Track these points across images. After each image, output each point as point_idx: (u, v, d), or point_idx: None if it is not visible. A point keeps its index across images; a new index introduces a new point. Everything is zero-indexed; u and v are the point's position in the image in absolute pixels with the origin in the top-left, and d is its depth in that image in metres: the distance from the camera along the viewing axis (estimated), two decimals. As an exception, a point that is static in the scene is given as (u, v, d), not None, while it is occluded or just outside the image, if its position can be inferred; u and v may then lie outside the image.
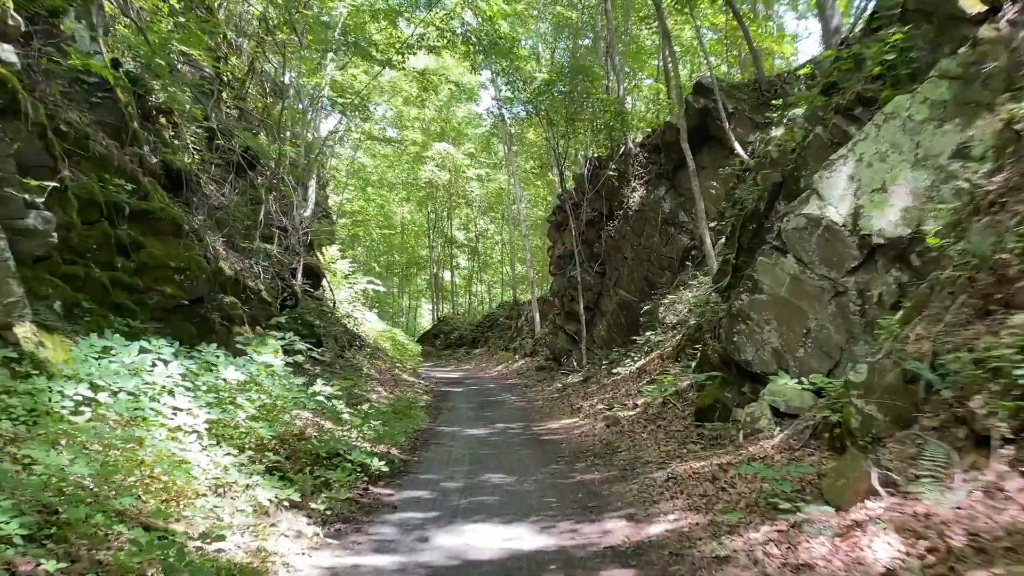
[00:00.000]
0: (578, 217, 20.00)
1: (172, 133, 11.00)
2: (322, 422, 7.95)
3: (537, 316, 27.15)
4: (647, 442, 8.76)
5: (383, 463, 7.10)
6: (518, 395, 17.32)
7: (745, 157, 15.45)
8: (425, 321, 55.23)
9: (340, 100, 30.18)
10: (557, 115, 18.74)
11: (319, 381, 8.56)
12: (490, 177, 42.59)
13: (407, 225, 50.02)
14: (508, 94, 22.07)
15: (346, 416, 8.44)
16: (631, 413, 11.07)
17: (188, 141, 10.92)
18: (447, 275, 49.34)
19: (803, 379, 7.37)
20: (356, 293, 26.05)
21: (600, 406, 12.63)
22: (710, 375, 8.77)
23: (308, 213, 27.28)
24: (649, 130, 20.09)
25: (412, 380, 19.52)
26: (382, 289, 26.87)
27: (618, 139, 19.52)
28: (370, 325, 24.34)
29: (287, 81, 18.78)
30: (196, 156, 11.04)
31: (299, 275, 14.44)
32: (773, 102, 15.86)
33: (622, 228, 18.77)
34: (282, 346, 9.66)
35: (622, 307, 18.79)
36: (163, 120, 10.98)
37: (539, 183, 42.72)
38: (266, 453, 5.93)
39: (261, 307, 9.55)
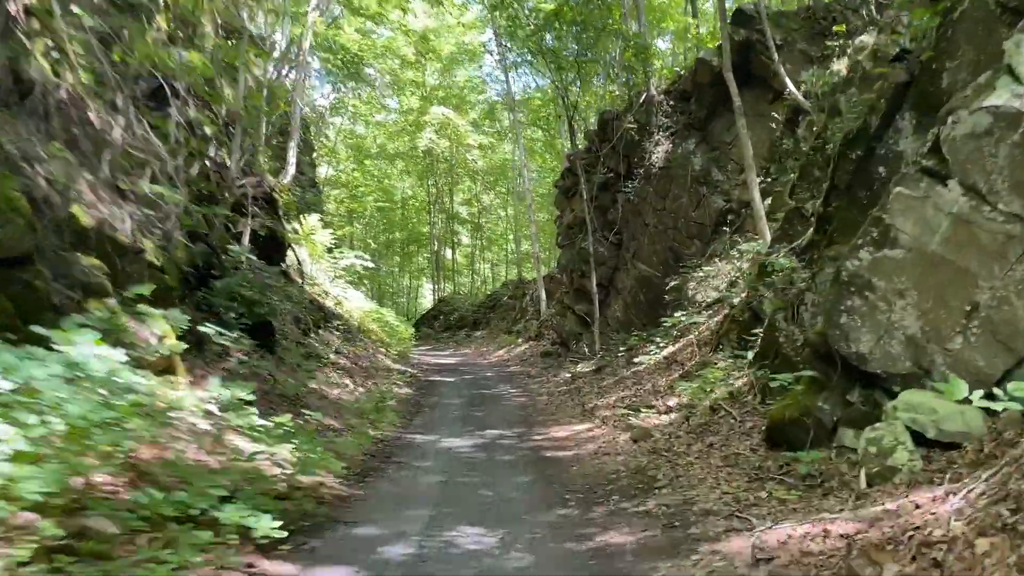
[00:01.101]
0: (590, 179, 17.10)
1: (51, 42, 8.17)
2: (190, 449, 5.18)
3: (543, 295, 24.34)
4: (698, 472, 5.96)
5: (284, 520, 4.33)
6: (518, 387, 14.56)
7: (799, 97, 12.50)
8: (427, 302, 52.52)
9: (328, 58, 27.25)
10: (566, 54, 15.77)
11: (215, 381, 5.80)
12: (494, 147, 39.60)
13: (407, 200, 47.23)
14: (509, 41, 19.02)
15: (252, 434, 5.68)
16: (664, 420, 8.28)
17: (71, 52, 8.10)
18: (449, 253, 46.50)
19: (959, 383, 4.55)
20: (341, 269, 23.37)
21: (620, 407, 9.84)
22: (797, 375, 5.93)
23: (287, 179, 24.60)
24: (680, 70, 17.05)
25: (396, 368, 16.78)
26: (371, 265, 24.09)
27: (638, 83, 16.55)
28: (354, 304, 21.59)
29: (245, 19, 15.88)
30: (85, 73, 8.22)
31: (244, 239, 11.64)
32: (835, 28, 12.92)
33: (643, 190, 15.87)
34: (186, 327, 6.95)
35: (641, 283, 15.95)
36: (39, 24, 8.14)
37: (547, 155, 39.79)
38: (29, 537, 3.18)
39: (149, 273, 6.83)
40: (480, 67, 38.59)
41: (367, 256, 25.17)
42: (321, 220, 22.04)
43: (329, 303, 19.40)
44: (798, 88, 12.61)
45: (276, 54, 18.86)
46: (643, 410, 9.01)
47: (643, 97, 16.24)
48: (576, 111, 17.24)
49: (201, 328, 7.17)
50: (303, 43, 25.48)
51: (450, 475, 6.78)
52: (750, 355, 8.17)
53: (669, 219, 15.15)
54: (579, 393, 12.26)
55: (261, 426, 5.77)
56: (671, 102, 15.76)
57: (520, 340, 23.80)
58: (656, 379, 10.69)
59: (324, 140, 36.43)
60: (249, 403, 5.96)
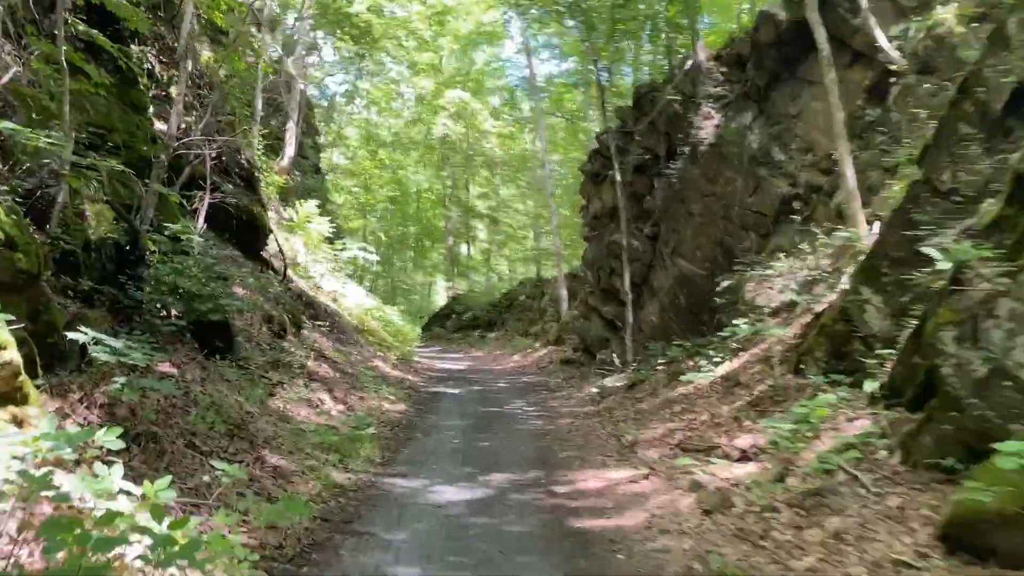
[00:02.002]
0: (624, 161, 14.69)
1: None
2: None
3: (564, 295, 21.95)
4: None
5: None
6: (535, 404, 12.19)
7: (894, 55, 10.03)
8: (441, 299, 50.28)
9: (335, 32, 24.96)
10: (599, 12, 13.36)
11: (46, 421, 3.53)
12: (513, 137, 37.24)
13: (422, 192, 45.06)
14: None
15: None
16: (742, 473, 5.88)
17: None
18: (464, 249, 44.14)
19: None
20: (342, 262, 21.21)
21: (671, 444, 7.45)
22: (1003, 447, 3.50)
23: (285, 162, 22.43)
24: (734, 27, 14.56)
25: (394, 376, 14.49)
26: (375, 258, 21.91)
27: (682, 47, 14.11)
28: (353, 301, 19.36)
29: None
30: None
31: (199, 219, 9.38)
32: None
33: (687, 172, 13.43)
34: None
35: (682, 283, 13.53)
36: None
37: (569, 146, 37.39)
38: None
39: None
40: (500, 49, 36.32)
41: (371, 248, 22.95)
42: (320, 207, 19.88)
43: (323, 299, 17.19)
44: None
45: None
46: (706, 451, 6.62)
47: (688, 64, 13.80)
48: (609, 76, 14.78)
49: (75, 335, 4.88)
50: (303, 9, 23.35)
51: (433, 563, 4.45)
52: (870, 386, 5.74)
53: (719, 207, 12.70)
54: (611, 417, 9.87)
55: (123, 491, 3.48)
56: (723, 69, 13.30)
57: (538, 344, 21.45)
58: (714, 406, 8.27)
59: (332, 125, 34.31)
60: (121, 451, 3.73)
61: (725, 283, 11.51)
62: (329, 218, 19.85)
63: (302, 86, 23.20)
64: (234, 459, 5.94)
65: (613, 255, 15.30)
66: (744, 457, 6.39)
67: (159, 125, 11.18)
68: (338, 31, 24.09)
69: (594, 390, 12.57)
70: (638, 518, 5.35)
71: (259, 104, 21.00)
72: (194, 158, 9.39)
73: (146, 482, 3.73)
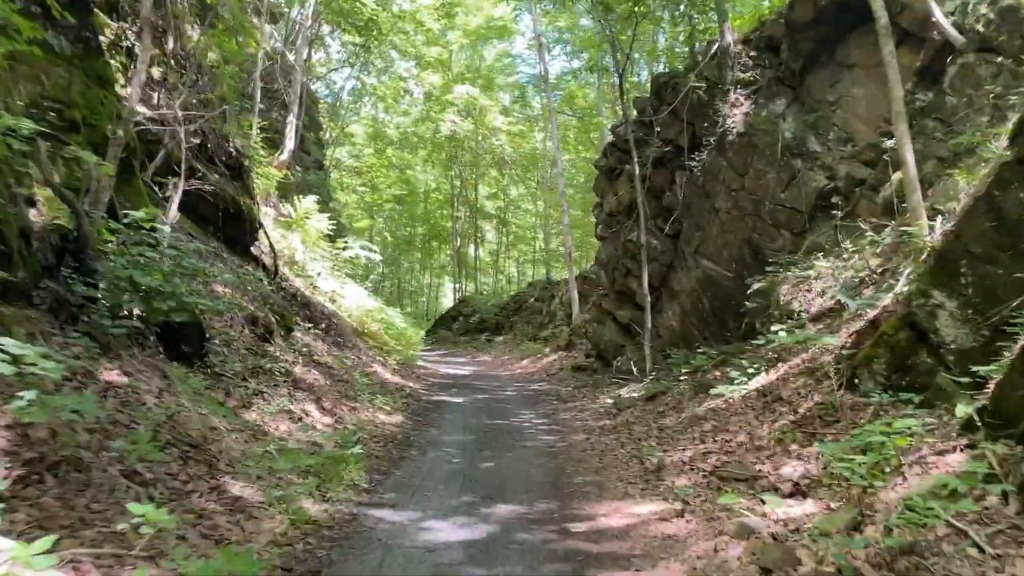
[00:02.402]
0: (642, 153, 13.65)
1: None
2: None
3: (575, 297, 20.90)
4: None
5: None
6: (546, 416, 11.15)
7: (952, 32, 8.96)
8: (448, 301, 49.31)
9: (339, 21, 23.97)
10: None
11: None
12: (523, 136, 36.24)
13: (430, 192, 44.18)
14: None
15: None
16: (798, 514, 4.82)
17: None
18: (472, 250, 43.17)
19: None
20: (342, 261, 20.26)
21: (701, 470, 6.40)
22: None
23: (285, 156, 21.50)
24: (767, 9, 13.49)
25: (393, 383, 13.48)
26: (378, 257, 20.95)
27: (706, 32, 13.06)
28: (353, 301, 18.39)
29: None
30: None
31: (172, 208, 8.40)
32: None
33: (713, 165, 12.37)
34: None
35: (706, 285, 12.47)
36: None
37: (580, 146, 36.40)
38: None
39: None
40: (510, 45, 35.35)
41: (374, 247, 21.98)
42: (321, 203, 18.95)
43: (321, 300, 16.23)
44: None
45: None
46: (753, 489, 5.56)
47: (715, 47, 12.74)
48: (627, 59, 13.72)
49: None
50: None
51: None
52: (963, 411, 4.67)
53: (748, 202, 11.63)
54: (630, 434, 8.81)
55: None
56: (752, 53, 12.23)
57: (548, 349, 20.41)
58: (752, 425, 7.21)
59: (338, 122, 33.39)
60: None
61: (756, 285, 10.45)
62: (329, 215, 18.88)
63: (304, 77, 22.27)
64: (185, 489, 4.96)
65: (629, 255, 14.26)
66: (797, 491, 5.33)
67: (138, 107, 10.23)
68: (343, 22, 23.17)
69: (609, 401, 11.52)
70: (675, 573, 4.30)
71: (257, 95, 20.12)
72: (169, 140, 8.43)
73: (18, 544, 2.74)
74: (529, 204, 39.92)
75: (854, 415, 6.33)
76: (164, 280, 6.42)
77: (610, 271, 15.47)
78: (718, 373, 9.90)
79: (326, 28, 26.70)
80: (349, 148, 36.93)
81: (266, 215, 17.59)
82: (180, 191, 8.37)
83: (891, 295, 7.24)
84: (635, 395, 11.25)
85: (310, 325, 13.36)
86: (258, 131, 19.96)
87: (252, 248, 12.42)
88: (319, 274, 17.36)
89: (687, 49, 13.89)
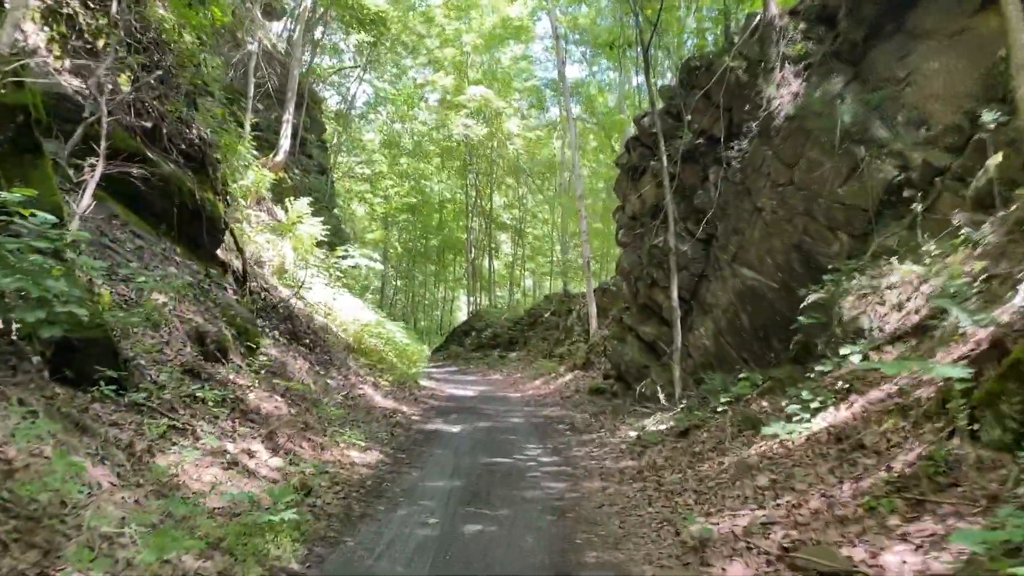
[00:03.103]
0: (671, 147, 11.88)
1: None
2: None
3: (593, 311, 19.10)
4: None
5: None
6: (556, 453, 9.32)
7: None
8: (463, 315, 47.65)
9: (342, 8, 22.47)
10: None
11: None
12: (541, 142, 34.64)
13: (444, 203, 42.72)
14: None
15: None
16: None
17: None
18: (487, 262, 41.49)
19: None
20: (340, 271, 18.66)
21: (764, 552, 4.57)
22: None
23: (280, 156, 20.00)
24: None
25: (381, 408, 11.76)
26: (380, 266, 19.31)
27: (738, 10, 11.30)
28: (349, 314, 16.76)
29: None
30: None
31: (85, 195, 6.77)
32: None
33: (755, 156, 10.56)
34: None
35: (746, 298, 10.63)
36: None
37: (600, 153, 34.76)
38: None
39: None
40: (527, 48, 33.84)
41: (377, 256, 20.37)
42: (322, 208, 17.41)
43: (313, 312, 14.61)
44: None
45: None
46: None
47: (756, 21, 10.97)
48: (656, 34, 11.98)
49: None
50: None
51: None
52: None
53: (798, 200, 9.79)
54: (659, 483, 6.98)
55: None
56: (801, 25, 10.44)
57: (563, 368, 18.60)
58: (826, 481, 5.36)
59: (348, 129, 32.00)
60: None
61: (812, 297, 8.61)
62: (324, 219, 17.28)
63: (299, 71, 20.82)
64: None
65: (655, 262, 12.46)
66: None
67: (74, 82, 8.70)
68: (346, 15, 21.72)
69: (633, 434, 9.69)
70: None
71: (251, 90, 18.69)
72: (90, 115, 6.83)
73: None
74: (546, 214, 38.23)
75: (981, 477, 4.50)
76: (32, 282, 4.75)
77: (633, 282, 13.67)
78: (766, 404, 8.08)
79: (331, 28, 25.35)
80: (360, 155, 35.54)
81: (256, 219, 16.07)
82: (97, 175, 6.74)
83: (1017, 308, 5.39)
84: (663, 427, 9.41)
85: (290, 341, 11.72)
86: (251, 129, 18.54)
87: (219, 252, 10.81)
88: (304, 283, 15.80)
89: (719, 29, 12.10)
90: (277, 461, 6.72)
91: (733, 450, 7.15)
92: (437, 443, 9.62)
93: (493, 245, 38.96)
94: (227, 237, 10.72)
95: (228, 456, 6.21)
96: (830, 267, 8.78)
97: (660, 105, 13.36)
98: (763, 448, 6.72)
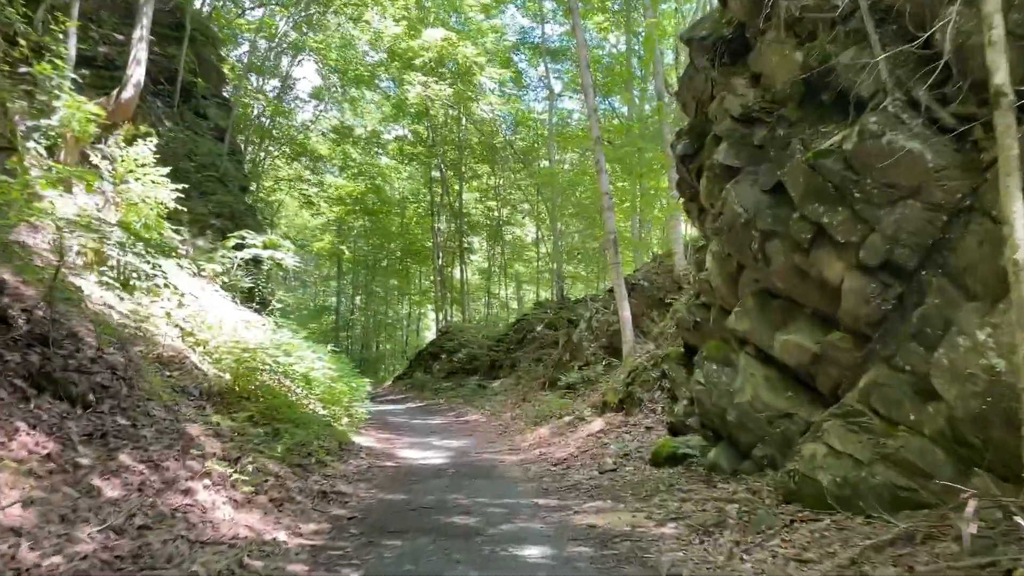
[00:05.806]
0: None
1: None
2: None
3: (627, 316, 12.31)
4: None
5: None
6: None
7: None
8: (433, 334, 40.68)
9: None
10: None
11: None
12: (523, 113, 28.11)
13: (407, 201, 36.12)
14: None
15: None
16: None
17: None
18: (459, 271, 34.53)
19: None
20: (238, 265, 12.00)
21: None
22: None
23: (129, 93, 13.22)
24: None
25: (221, 539, 4.82)
26: (292, 261, 12.43)
27: None
28: (228, 334, 9.89)
29: None
30: None
31: None
32: None
33: None
34: None
35: None
36: None
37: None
38: None
39: None
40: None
41: (290, 246, 13.43)
42: (158, 156, 10.48)
43: (149, 331, 7.73)
44: None
45: None
46: None
47: None
48: None
49: None
50: None
51: None
52: None
53: None
54: None
55: None
56: None
57: (585, 407, 11.73)
58: None
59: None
60: None
61: None
62: (216, 195, 10.35)
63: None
64: None
65: (813, 193, 5.78)
66: None
67: None
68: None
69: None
70: None
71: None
72: None
73: None
74: (527, 202, 31.56)
75: None
76: None
77: (750, 245, 6.92)
78: None
79: None
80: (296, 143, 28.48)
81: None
82: None
83: None
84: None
85: (30, 388, 4.85)
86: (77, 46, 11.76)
87: None
88: (139, 278, 8.84)
89: None
90: None
91: None
92: None
93: (466, 245, 32.11)
94: None
95: None
96: None
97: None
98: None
